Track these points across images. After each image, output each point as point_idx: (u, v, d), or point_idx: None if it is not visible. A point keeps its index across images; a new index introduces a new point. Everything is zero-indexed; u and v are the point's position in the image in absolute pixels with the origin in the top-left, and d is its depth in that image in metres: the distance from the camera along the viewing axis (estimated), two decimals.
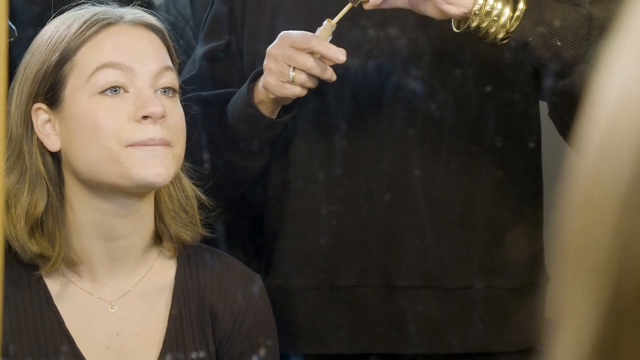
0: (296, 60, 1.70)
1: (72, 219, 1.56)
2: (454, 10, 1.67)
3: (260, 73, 1.79)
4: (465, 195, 1.83)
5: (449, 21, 1.72)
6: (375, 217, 1.82)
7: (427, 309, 1.83)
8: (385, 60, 1.82)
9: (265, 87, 1.74)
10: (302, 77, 1.72)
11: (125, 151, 1.51)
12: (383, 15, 1.79)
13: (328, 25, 1.71)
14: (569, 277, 0.51)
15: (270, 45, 1.74)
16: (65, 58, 1.54)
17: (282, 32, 1.74)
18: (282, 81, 1.72)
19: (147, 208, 1.59)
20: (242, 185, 1.91)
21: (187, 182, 1.65)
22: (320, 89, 1.76)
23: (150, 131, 1.52)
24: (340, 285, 1.85)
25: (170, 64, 1.59)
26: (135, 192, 1.55)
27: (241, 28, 1.92)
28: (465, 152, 1.82)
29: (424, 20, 1.75)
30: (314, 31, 1.77)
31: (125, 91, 1.54)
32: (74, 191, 1.56)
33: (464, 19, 1.68)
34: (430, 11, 1.69)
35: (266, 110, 1.79)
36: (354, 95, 1.81)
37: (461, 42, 1.78)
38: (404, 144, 1.82)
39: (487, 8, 1.66)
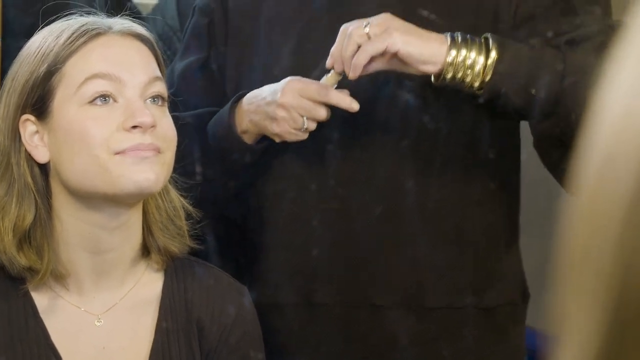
0: (312, 114, 1.73)
1: (60, 232, 1.55)
2: (432, 68, 1.69)
3: (242, 96, 1.80)
4: (448, 216, 1.83)
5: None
6: (356, 237, 1.82)
7: (409, 328, 1.83)
8: (377, 74, 1.82)
9: (277, 135, 1.76)
10: (313, 125, 1.75)
11: (114, 159, 1.49)
12: None
13: (335, 75, 1.74)
14: (571, 290, 0.50)
15: (281, 95, 1.74)
16: (53, 69, 1.52)
17: (289, 80, 1.76)
18: (295, 129, 1.75)
19: (135, 219, 1.57)
20: (221, 202, 1.91)
21: (174, 194, 1.64)
22: None
23: (138, 138, 1.50)
24: (322, 303, 1.84)
25: (159, 74, 1.57)
26: (125, 201, 1.53)
27: (222, 40, 1.91)
28: (447, 173, 1.82)
29: None
30: (307, 47, 1.77)
31: (115, 101, 1.52)
32: (62, 203, 1.55)
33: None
34: (411, 71, 1.71)
35: (250, 139, 1.81)
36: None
37: None
38: (392, 163, 1.81)
39: (460, 59, 1.68)
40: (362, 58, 1.67)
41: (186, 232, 1.64)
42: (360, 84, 1.80)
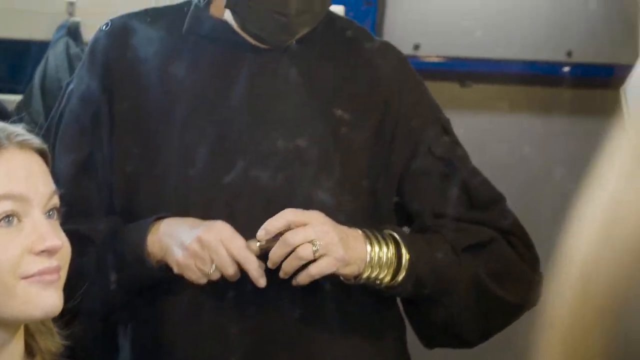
0: (223, 266, 1.69)
1: None
2: (354, 280, 1.76)
3: (160, 217, 1.75)
4: (361, 320, 1.87)
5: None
6: (271, 346, 1.81)
7: None
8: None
9: (178, 265, 1.71)
10: (216, 276, 1.71)
11: (20, 284, 1.44)
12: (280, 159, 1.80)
13: (260, 247, 1.72)
14: None
15: (204, 231, 1.69)
16: None
17: (220, 222, 1.71)
18: (199, 269, 1.70)
19: (19, 333, 1.52)
20: (107, 311, 1.86)
21: None
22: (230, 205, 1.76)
23: (46, 262, 1.45)
24: None
25: (55, 186, 1.52)
26: (26, 323, 1.49)
27: (109, 135, 1.81)
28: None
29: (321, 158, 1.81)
30: (224, 146, 1.75)
31: (19, 220, 1.46)
32: None
33: None
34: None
35: (153, 260, 1.76)
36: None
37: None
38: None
39: (376, 258, 1.75)
40: (308, 280, 1.71)
41: (54, 330, 1.58)
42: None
